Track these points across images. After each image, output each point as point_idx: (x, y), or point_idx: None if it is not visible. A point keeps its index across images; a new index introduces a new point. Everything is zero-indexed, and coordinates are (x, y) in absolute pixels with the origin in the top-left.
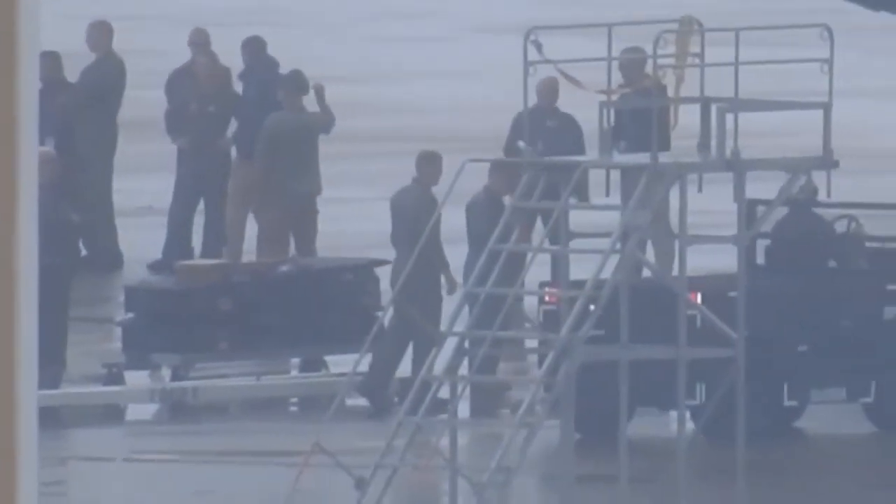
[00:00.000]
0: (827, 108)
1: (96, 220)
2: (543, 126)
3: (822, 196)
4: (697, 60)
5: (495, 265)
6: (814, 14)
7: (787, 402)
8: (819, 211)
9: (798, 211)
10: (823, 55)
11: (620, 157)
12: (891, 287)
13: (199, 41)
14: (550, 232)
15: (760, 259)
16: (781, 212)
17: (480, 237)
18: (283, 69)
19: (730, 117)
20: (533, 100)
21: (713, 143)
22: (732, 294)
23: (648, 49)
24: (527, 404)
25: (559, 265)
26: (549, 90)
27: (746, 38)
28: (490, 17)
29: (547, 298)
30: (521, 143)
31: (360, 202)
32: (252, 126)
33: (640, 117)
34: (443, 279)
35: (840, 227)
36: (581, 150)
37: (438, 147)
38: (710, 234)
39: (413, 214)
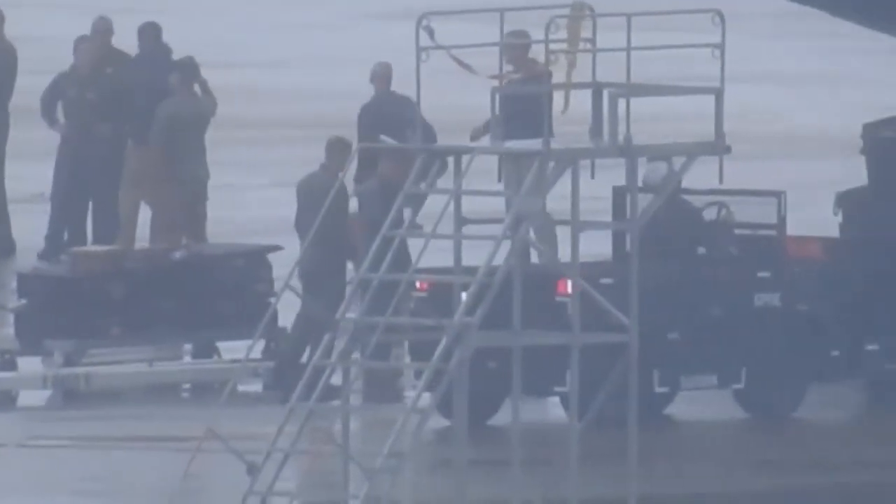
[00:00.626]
0: (719, 93)
1: None
2: (391, 112)
3: (714, 182)
4: (589, 45)
5: (388, 251)
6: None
7: (657, 389)
8: (687, 198)
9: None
10: (715, 40)
11: (512, 143)
12: (761, 274)
13: (102, 28)
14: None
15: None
16: (648, 199)
17: (373, 223)
18: (178, 55)
19: (622, 103)
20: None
21: (605, 128)
22: (604, 281)
23: (541, 33)
24: (419, 390)
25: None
26: (383, 75)
27: (638, 23)
28: (383, 3)
29: (418, 286)
30: (383, 137)
31: (250, 189)
32: (144, 112)
33: (525, 103)
34: (350, 266)
35: (709, 213)
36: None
37: (325, 133)
38: (602, 220)
39: (321, 201)
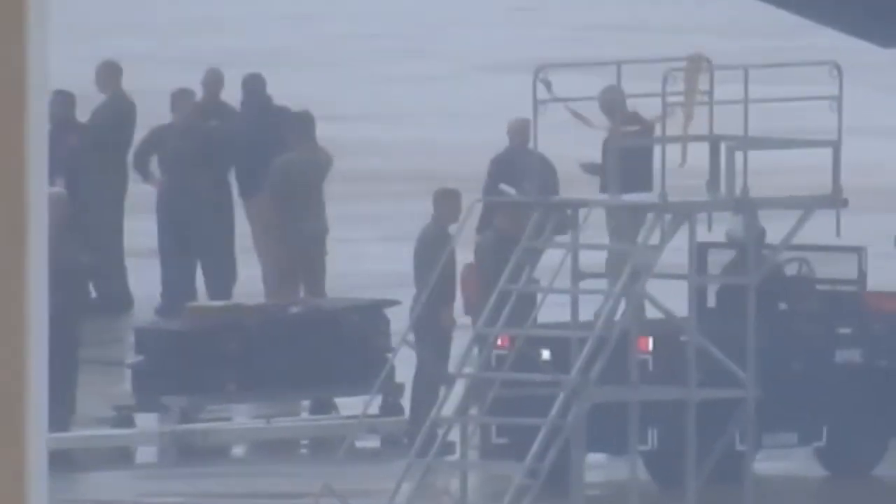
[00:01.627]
0: (836, 145)
1: (106, 262)
2: (524, 167)
3: (831, 235)
4: (706, 98)
5: (506, 305)
6: (823, 51)
7: (738, 447)
8: (767, 253)
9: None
10: (832, 92)
11: (629, 196)
12: (842, 330)
13: (213, 80)
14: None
15: (711, 302)
16: (729, 254)
17: (491, 277)
18: (291, 108)
19: (739, 155)
20: (539, 139)
21: (722, 181)
22: (683, 338)
23: (658, 86)
24: (536, 447)
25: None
26: (520, 130)
27: (755, 75)
28: (494, 56)
29: (500, 342)
30: (503, 186)
31: (367, 242)
32: (251, 164)
33: (630, 156)
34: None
35: (790, 269)
36: (556, 191)
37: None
38: (718, 274)
39: (431, 253)
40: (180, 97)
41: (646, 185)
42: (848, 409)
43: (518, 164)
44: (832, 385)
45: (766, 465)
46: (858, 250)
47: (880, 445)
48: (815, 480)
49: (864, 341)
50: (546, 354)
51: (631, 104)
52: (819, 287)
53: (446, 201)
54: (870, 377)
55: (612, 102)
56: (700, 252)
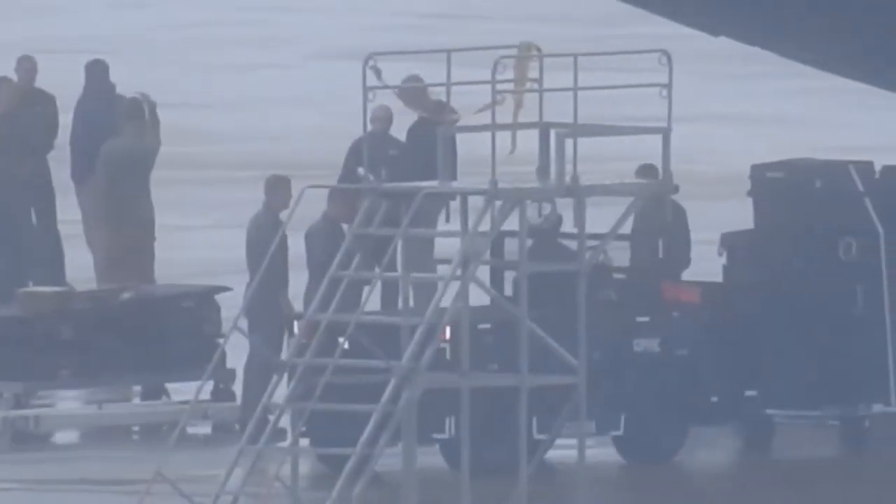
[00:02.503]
0: (666, 133)
1: None
2: (384, 153)
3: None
4: (536, 86)
5: (336, 292)
6: (653, 40)
7: (536, 436)
8: (564, 241)
9: (543, 241)
10: (663, 80)
11: (460, 183)
12: (640, 319)
13: (27, 66)
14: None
15: (508, 290)
16: (526, 242)
17: (321, 264)
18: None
19: (569, 143)
20: (368, 125)
21: (552, 168)
22: (482, 326)
23: (488, 73)
24: (368, 431)
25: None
26: (384, 117)
27: (586, 63)
28: (327, 44)
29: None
30: (360, 170)
31: (195, 229)
32: (89, 150)
33: (433, 145)
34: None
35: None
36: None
37: (276, 173)
38: (548, 263)
39: (263, 240)
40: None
41: (452, 174)
42: (646, 398)
43: (376, 150)
44: (630, 374)
45: (562, 453)
46: (655, 237)
47: (679, 434)
48: (613, 468)
49: (661, 330)
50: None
51: (457, 92)
52: (616, 276)
53: (277, 188)
54: (668, 366)
55: (414, 92)
56: (497, 240)
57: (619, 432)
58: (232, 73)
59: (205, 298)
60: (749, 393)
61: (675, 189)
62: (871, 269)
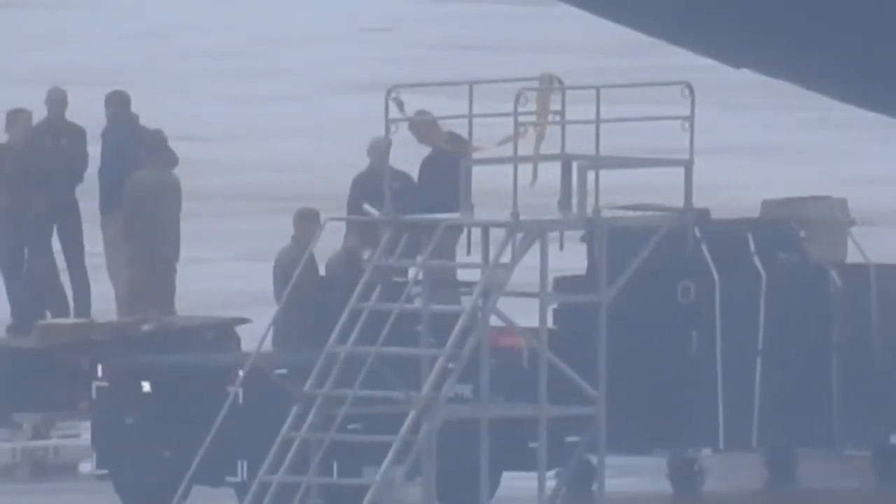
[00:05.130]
0: (688, 165)
1: None
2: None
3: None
4: (558, 118)
5: (356, 324)
6: (675, 71)
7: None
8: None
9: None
10: (685, 112)
11: (482, 215)
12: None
13: (57, 98)
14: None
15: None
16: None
17: (340, 296)
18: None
19: (591, 175)
20: (392, 159)
21: (574, 200)
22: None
23: (510, 106)
24: (388, 461)
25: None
26: (380, 149)
27: (607, 95)
28: (343, 75)
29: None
30: (366, 206)
31: (214, 262)
32: (114, 182)
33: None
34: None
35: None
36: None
37: (292, 205)
38: (570, 294)
39: (291, 272)
40: (15, 117)
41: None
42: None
43: (380, 183)
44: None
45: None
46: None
47: (493, 479)
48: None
49: (475, 376)
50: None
51: (478, 124)
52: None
53: (305, 221)
54: None
55: (426, 125)
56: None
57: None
58: (245, 105)
59: (224, 330)
60: (570, 438)
61: (696, 221)
62: (706, 313)
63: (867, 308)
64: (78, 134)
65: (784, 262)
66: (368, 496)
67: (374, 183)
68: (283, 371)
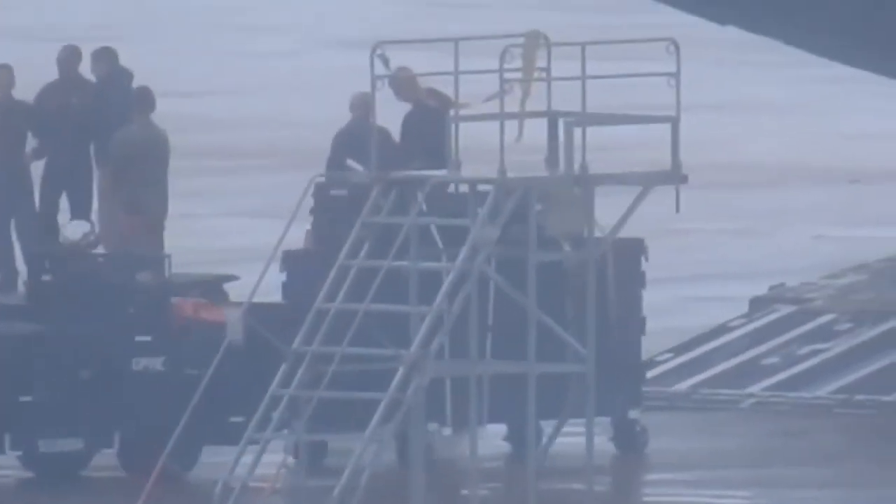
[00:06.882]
0: (675, 121)
1: None
2: (369, 141)
3: (671, 211)
4: (544, 74)
5: (345, 281)
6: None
7: (10, 452)
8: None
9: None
10: (671, 69)
11: (467, 172)
12: (139, 338)
13: (62, 57)
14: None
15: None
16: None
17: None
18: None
19: (577, 131)
20: (378, 114)
21: (561, 157)
22: None
23: (496, 62)
24: (376, 419)
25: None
26: (361, 104)
27: (593, 52)
28: (334, 31)
29: None
30: (350, 162)
31: (205, 217)
32: (105, 136)
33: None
34: None
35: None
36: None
37: (283, 162)
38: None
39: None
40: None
41: (441, 163)
42: (145, 415)
43: (361, 139)
44: (129, 392)
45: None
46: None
47: (191, 453)
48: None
49: (167, 349)
50: None
51: (464, 80)
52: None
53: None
54: (173, 386)
55: (406, 81)
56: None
57: (113, 449)
58: (239, 60)
59: (213, 287)
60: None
61: (685, 178)
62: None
63: (604, 282)
64: (88, 90)
65: (518, 236)
66: (356, 454)
67: (355, 139)
68: None
